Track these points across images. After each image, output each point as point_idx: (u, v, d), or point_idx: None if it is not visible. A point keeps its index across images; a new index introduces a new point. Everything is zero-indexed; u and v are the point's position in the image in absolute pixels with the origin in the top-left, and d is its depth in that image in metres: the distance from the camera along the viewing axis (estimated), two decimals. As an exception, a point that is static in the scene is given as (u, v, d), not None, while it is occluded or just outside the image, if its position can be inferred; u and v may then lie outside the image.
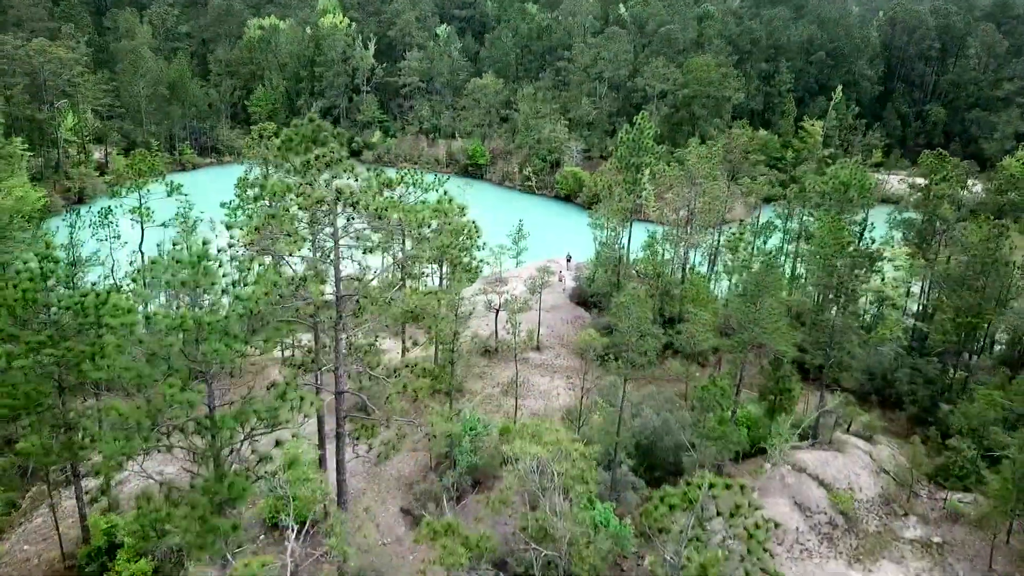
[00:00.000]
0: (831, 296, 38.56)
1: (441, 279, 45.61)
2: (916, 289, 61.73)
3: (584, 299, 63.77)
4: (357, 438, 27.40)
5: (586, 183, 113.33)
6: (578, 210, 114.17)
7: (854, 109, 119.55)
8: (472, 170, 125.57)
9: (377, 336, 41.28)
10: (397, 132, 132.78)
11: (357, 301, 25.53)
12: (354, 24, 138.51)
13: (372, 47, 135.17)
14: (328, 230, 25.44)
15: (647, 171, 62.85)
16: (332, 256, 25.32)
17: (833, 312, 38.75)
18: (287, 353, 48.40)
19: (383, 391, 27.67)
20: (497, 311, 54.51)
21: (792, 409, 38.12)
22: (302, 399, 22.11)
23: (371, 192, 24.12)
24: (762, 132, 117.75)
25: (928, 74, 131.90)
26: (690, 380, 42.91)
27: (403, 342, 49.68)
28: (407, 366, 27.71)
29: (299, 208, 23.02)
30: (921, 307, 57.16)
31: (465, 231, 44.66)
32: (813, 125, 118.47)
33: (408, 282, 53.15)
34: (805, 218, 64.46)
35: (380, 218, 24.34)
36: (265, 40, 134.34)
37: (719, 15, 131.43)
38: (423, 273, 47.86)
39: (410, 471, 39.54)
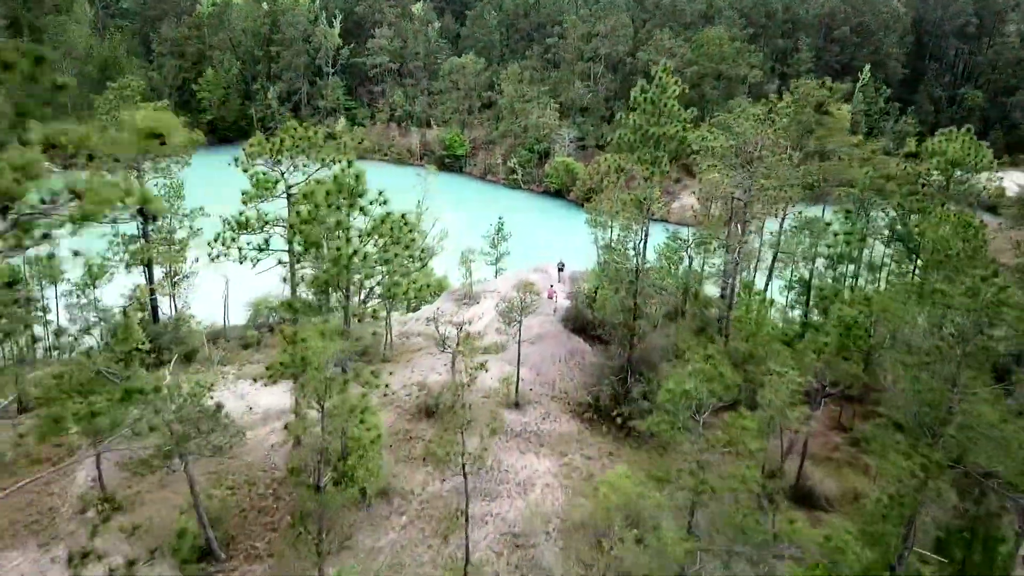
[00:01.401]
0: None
1: (347, 316, 25.94)
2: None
3: (583, 324, 44.44)
4: None
5: (580, 176, 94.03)
6: (571, 207, 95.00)
7: (885, 92, 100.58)
8: (450, 162, 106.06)
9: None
10: (365, 120, 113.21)
11: None
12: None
13: (338, 24, 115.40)
14: None
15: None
16: None
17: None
18: None
19: None
20: (453, 355, 35.05)
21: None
22: None
23: None
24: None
25: (963, 54, 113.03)
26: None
27: (295, 409, 29.94)
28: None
29: None
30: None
31: (390, 231, 25.13)
32: (840, 109, 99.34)
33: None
34: (874, 214, 45.53)
35: None
36: (216, 16, 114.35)
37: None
38: (316, 305, 28.37)
39: None
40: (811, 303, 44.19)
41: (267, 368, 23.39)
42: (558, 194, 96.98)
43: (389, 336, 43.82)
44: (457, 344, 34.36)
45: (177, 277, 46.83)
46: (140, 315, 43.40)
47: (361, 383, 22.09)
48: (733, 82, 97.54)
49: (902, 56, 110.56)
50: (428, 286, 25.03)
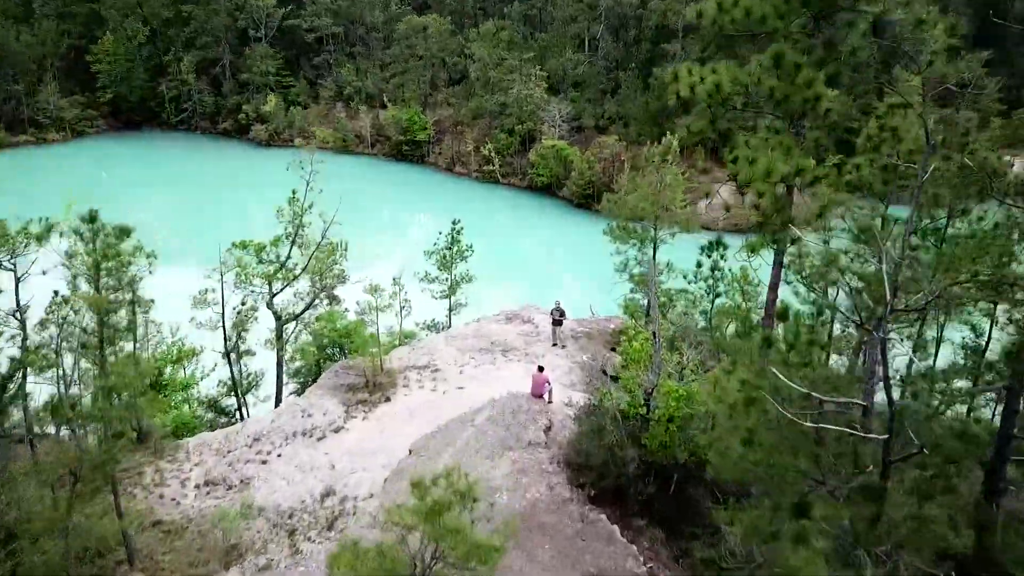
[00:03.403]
0: None
1: None
2: None
3: (618, 478, 17.55)
4: None
5: (576, 165, 67.48)
6: (565, 208, 68.57)
7: (981, 54, 74.50)
8: (408, 151, 79.37)
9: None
10: (307, 100, 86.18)
11: None
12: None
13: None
14: None
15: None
16: None
17: None
18: None
19: None
20: None
21: None
22: None
23: None
24: (829, 92, 72.11)
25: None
26: None
27: None
28: None
29: None
30: None
31: None
32: (909, 80, 73.19)
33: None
34: None
35: None
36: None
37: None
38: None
39: None
40: None
41: None
42: (547, 190, 70.45)
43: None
44: None
45: None
46: None
47: None
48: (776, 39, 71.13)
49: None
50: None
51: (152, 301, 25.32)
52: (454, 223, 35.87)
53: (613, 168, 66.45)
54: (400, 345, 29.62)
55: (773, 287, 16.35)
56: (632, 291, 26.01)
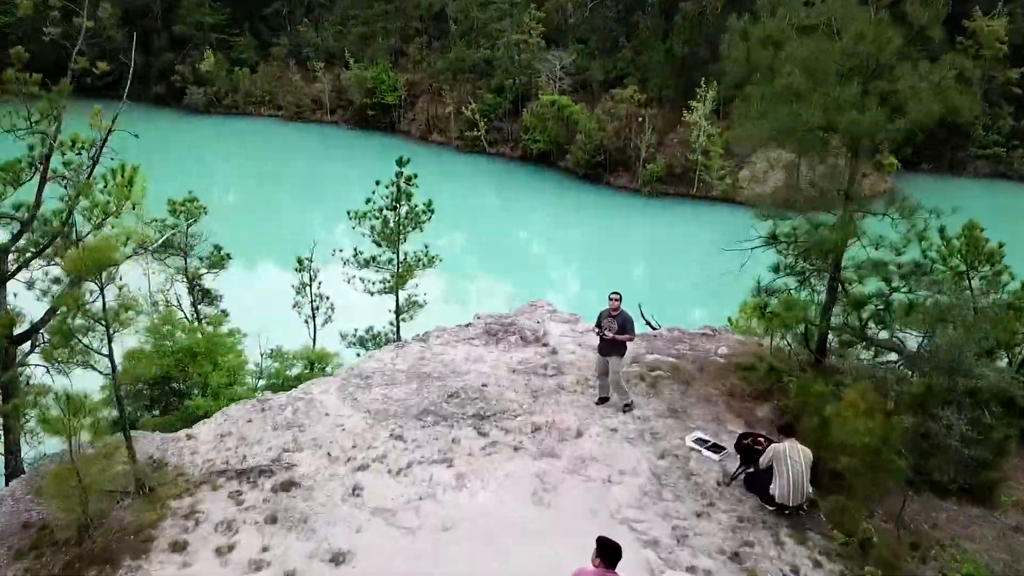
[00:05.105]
0: None
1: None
2: None
3: None
4: None
5: (582, 127, 51.74)
6: (569, 181, 52.91)
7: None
8: (375, 116, 63.56)
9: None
10: (254, 58, 70.22)
11: None
12: None
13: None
14: None
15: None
16: None
17: None
18: None
19: None
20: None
21: None
22: None
23: None
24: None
25: None
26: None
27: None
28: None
29: None
30: None
31: None
32: (990, 26, 58.50)
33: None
34: None
35: None
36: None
37: None
38: None
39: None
40: None
41: None
42: (544, 159, 54.76)
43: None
44: None
45: None
46: None
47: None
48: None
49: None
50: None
51: None
52: (400, 163, 20.50)
53: (629, 130, 50.95)
54: (270, 388, 13.93)
55: None
56: (788, 272, 10.44)
